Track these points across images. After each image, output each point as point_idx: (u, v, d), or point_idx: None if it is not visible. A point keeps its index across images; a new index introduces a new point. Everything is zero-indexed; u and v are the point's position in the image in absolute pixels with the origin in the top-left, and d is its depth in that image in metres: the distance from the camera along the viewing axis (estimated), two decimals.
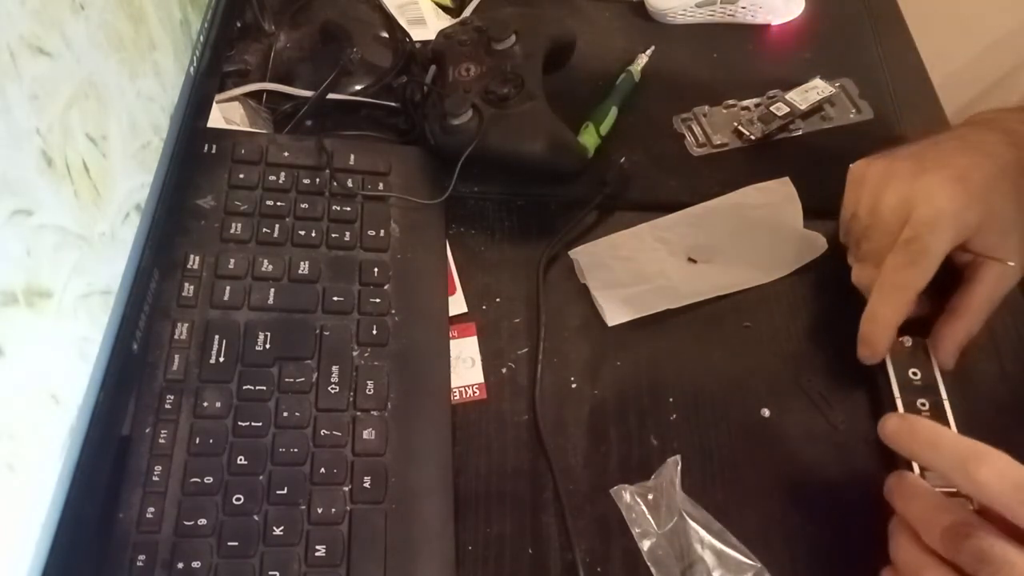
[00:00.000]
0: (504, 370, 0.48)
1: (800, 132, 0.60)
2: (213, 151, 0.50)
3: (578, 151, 0.54)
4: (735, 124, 0.59)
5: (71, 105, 0.32)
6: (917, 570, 0.38)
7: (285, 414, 0.43)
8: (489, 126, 0.51)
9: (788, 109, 0.60)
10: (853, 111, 0.61)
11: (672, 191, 0.56)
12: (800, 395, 0.49)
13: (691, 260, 0.53)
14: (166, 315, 0.44)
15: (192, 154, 0.46)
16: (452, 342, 0.48)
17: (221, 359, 0.44)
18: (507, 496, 0.44)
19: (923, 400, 0.46)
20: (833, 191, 0.51)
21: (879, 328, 0.46)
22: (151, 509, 0.39)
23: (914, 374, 0.47)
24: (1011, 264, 0.46)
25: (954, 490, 0.39)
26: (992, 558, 0.34)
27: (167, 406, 0.42)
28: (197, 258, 0.47)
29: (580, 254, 0.52)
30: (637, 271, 0.51)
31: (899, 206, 0.45)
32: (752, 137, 0.59)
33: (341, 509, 0.41)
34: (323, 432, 0.43)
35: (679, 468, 0.44)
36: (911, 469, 0.42)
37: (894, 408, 0.46)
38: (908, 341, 0.48)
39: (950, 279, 0.47)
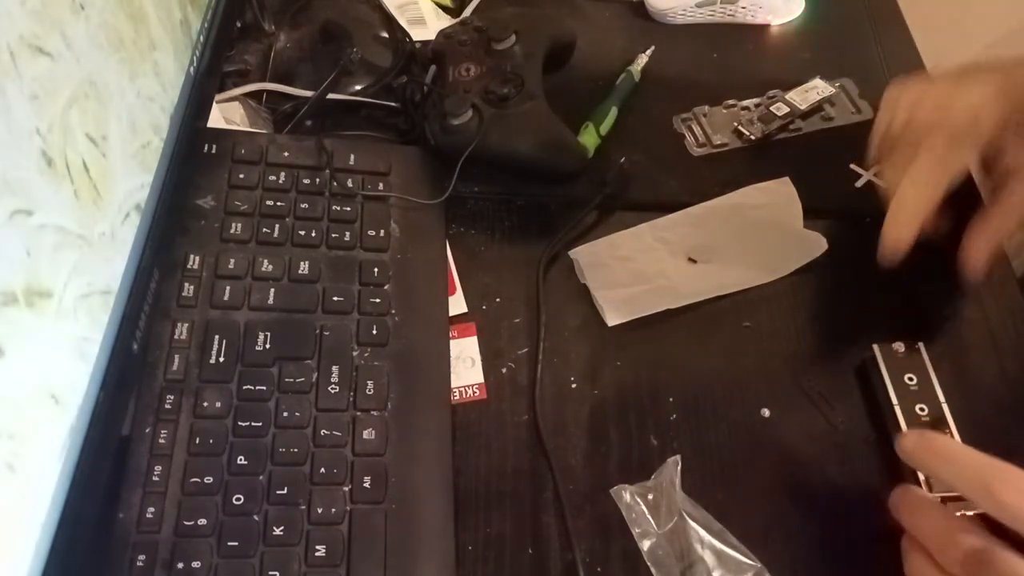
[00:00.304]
0: (504, 370, 0.48)
1: (800, 132, 0.60)
2: (213, 151, 0.50)
3: (578, 151, 0.54)
4: (735, 124, 0.59)
5: (71, 105, 0.32)
6: None
7: (285, 414, 0.43)
8: (489, 126, 0.51)
9: (788, 109, 0.60)
10: (853, 111, 0.61)
11: (672, 191, 0.56)
12: (800, 395, 0.48)
13: (691, 260, 0.53)
14: (166, 315, 0.44)
15: (192, 154, 0.46)
16: (452, 342, 0.48)
17: (221, 359, 0.44)
18: (507, 496, 0.44)
19: (922, 405, 0.46)
20: (833, 191, 0.51)
21: (905, 214, 0.45)
22: (151, 509, 0.39)
23: (910, 379, 0.47)
24: None
25: (958, 494, 0.39)
26: None
27: (167, 406, 0.42)
28: (197, 258, 0.47)
29: (580, 254, 0.52)
30: (637, 271, 0.51)
31: (937, 107, 0.45)
32: (752, 137, 0.59)
33: (341, 509, 0.41)
34: (323, 432, 0.43)
35: (679, 468, 0.44)
36: (915, 476, 0.42)
37: (893, 415, 0.46)
38: (901, 347, 0.48)
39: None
